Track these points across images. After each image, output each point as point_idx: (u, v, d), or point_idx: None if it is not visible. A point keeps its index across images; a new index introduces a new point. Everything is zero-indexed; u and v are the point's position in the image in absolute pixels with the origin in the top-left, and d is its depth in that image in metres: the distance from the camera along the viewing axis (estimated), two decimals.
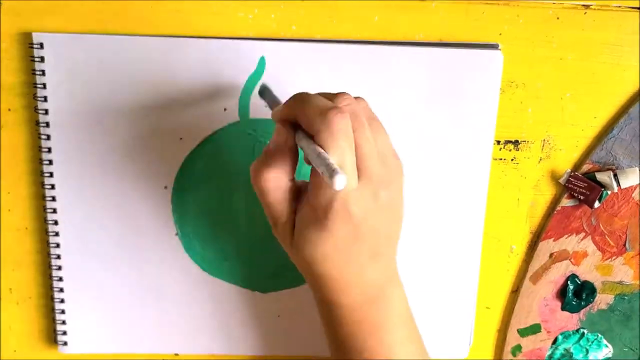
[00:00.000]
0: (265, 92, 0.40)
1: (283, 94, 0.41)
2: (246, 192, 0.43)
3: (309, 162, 0.32)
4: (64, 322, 0.44)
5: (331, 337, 0.37)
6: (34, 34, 0.39)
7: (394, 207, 0.33)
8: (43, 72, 0.40)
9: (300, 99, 0.32)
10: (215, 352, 0.46)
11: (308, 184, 0.33)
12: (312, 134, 0.31)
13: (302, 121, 0.32)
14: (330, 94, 0.33)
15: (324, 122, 0.30)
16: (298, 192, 0.34)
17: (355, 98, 0.33)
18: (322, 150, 0.29)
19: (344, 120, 0.30)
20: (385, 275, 0.35)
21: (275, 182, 0.33)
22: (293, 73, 0.41)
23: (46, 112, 0.40)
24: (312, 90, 0.41)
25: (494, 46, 0.41)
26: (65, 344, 0.45)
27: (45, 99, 0.40)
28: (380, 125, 0.34)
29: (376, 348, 0.35)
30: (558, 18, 0.41)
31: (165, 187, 0.42)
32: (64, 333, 0.45)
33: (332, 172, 0.27)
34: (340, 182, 0.27)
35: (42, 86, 0.40)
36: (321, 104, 0.31)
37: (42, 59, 0.39)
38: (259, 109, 0.41)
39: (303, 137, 0.32)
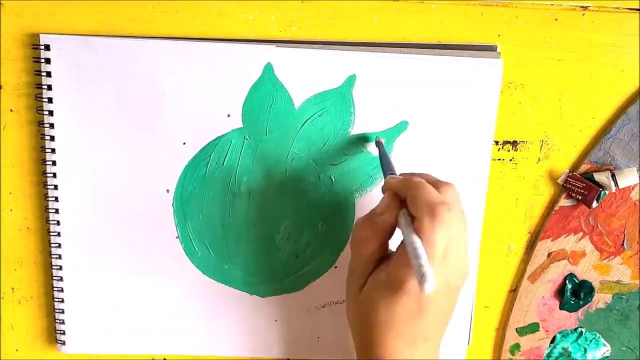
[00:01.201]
0: (381, 148, 0.41)
1: (284, 98, 0.41)
2: (247, 197, 0.43)
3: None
4: (63, 322, 0.45)
5: None
6: (41, 35, 0.39)
7: (455, 295, 0.36)
8: (48, 74, 0.40)
9: (412, 185, 0.35)
10: (214, 354, 0.46)
11: (393, 253, 0.36)
12: (415, 216, 0.34)
13: (410, 203, 0.35)
14: (438, 181, 0.36)
15: (430, 214, 0.33)
16: (381, 257, 0.37)
17: (456, 191, 0.36)
18: (419, 246, 0.32)
19: (447, 216, 0.33)
20: (430, 356, 0.36)
21: (369, 241, 0.36)
22: (296, 78, 0.41)
23: (51, 113, 0.41)
24: (315, 91, 0.41)
25: (492, 48, 0.41)
26: (64, 343, 0.45)
27: (50, 100, 0.40)
28: (465, 219, 0.36)
29: None
30: (556, 19, 0.42)
31: (168, 191, 0.43)
32: (63, 333, 0.45)
33: (422, 276, 0.30)
34: (429, 288, 0.30)
35: (47, 87, 0.40)
36: (431, 196, 0.34)
37: (47, 61, 0.40)
38: (262, 116, 0.42)
39: (405, 221, 0.34)
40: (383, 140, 0.41)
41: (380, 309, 0.35)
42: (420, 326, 0.35)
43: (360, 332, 0.37)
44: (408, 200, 0.35)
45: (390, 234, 0.37)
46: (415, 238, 0.32)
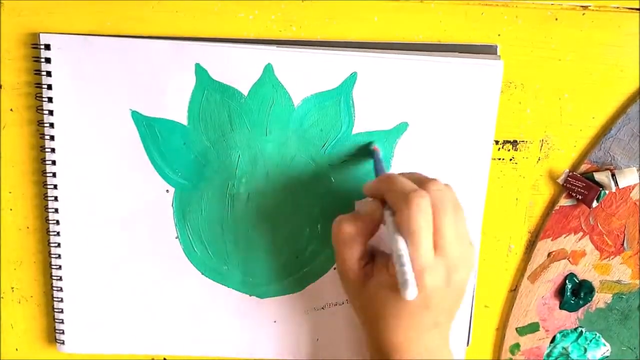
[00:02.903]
0: (375, 156, 0.41)
1: (284, 98, 0.41)
2: (247, 198, 0.43)
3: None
4: (62, 322, 0.45)
5: None
6: (41, 35, 0.39)
7: (462, 286, 0.36)
8: (48, 73, 0.40)
9: (388, 179, 0.36)
10: (214, 354, 0.46)
11: (389, 255, 0.35)
12: (395, 210, 0.34)
13: (387, 199, 0.35)
14: (423, 177, 0.37)
15: (405, 202, 0.33)
16: (368, 255, 0.38)
17: (445, 185, 0.36)
18: (403, 250, 0.33)
19: (424, 201, 0.33)
20: (440, 342, 0.37)
21: (352, 241, 0.37)
22: (295, 78, 0.41)
23: (51, 112, 0.41)
24: (315, 91, 0.41)
25: (492, 47, 0.41)
26: (63, 343, 0.45)
27: (50, 99, 0.40)
28: (463, 214, 0.36)
29: None
30: (556, 19, 0.42)
31: (167, 191, 0.43)
32: (63, 332, 0.45)
33: (403, 284, 0.31)
34: (411, 294, 0.31)
35: (47, 87, 0.40)
36: (406, 186, 0.35)
37: (47, 60, 0.40)
38: (261, 117, 0.42)
39: (390, 218, 0.35)
40: (378, 149, 0.42)
41: (388, 307, 0.36)
42: (428, 317, 0.35)
43: (370, 326, 0.38)
44: (386, 197, 0.36)
45: (371, 233, 0.37)
46: (400, 242, 0.33)
